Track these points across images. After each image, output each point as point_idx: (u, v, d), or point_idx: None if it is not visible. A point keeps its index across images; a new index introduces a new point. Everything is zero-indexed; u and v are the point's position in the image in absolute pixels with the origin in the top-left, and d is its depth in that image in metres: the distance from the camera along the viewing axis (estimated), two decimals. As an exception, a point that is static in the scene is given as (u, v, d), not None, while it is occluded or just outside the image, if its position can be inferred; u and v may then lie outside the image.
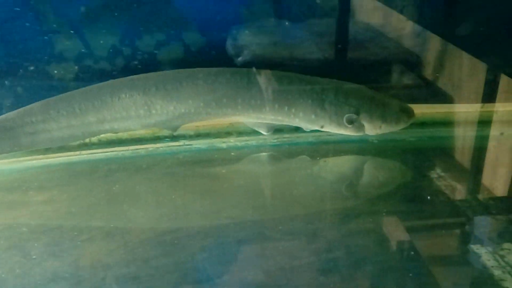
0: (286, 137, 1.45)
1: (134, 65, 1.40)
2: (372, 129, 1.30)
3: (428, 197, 1.15)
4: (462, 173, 1.29)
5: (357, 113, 1.27)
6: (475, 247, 0.97)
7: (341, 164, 1.37)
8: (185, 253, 0.99)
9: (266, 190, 1.27)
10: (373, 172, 1.34)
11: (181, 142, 1.44)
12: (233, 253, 0.99)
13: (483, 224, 1.06)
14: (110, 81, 1.29)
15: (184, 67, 1.35)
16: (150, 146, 1.43)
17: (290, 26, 1.43)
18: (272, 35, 1.43)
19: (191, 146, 1.43)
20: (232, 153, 1.40)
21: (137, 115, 1.28)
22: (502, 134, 1.34)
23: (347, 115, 1.26)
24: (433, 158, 1.35)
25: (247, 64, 1.38)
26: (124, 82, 1.28)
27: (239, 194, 1.22)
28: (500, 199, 1.14)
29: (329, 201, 1.20)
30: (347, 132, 1.31)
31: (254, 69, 1.29)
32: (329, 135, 1.38)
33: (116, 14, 1.35)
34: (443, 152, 1.39)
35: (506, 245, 0.97)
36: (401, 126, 1.32)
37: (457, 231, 1.07)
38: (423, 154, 1.37)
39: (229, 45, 1.40)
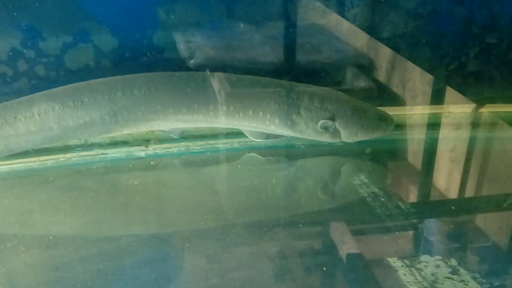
0: (211, 143, 1.37)
1: (38, 68, 1.29)
2: (348, 136, 1.25)
3: (347, 205, 1.11)
4: (385, 179, 1.24)
5: (333, 118, 1.21)
6: (391, 260, 0.91)
7: (266, 172, 1.29)
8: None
9: (180, 203, 1.17)
10: (293, 180, 1.28)
11: (95, 152, 1.33)
12: (136, 277, 0.90)
13: (402, 234, 1.00)
14: (73, 84, 1.21)
15: (94, 70, 1.28)
16: (61, 157, 1.31)
17: (244, 28, 1.40)
18: (224, 37, 1.40)
19: (106, 155, 1.32)
20: (152, 162, 1.30)
21: (102, 121, 1.20)
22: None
23: (321, 121, 1.21)
24: (358, 164, 1.30)
25: (198, 67, 1.34)
26: (88, 85, 1.21)
27: (150, 208, 1.12)
28: (422, 206, 1.09)
29: (246, 211, 1.12)
30: (323, 138, 1.26)
31: (207, 71, 1.24)
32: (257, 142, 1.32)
33: (15, 14, 1.23)
34: (369, 157, 1.33)
35: (424, 258, 0.91)
36: (379, 133, 1.27)
37: (374, 242, 1.01)
38: (348, 159, 1.32)
39: (180, 46, 1.36)
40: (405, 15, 1.43)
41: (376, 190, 1.15)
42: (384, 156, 1.36)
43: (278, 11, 1.40)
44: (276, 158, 1.34)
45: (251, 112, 1.23)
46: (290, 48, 1.41)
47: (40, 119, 1.19)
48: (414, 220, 1.03)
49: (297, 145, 1.36)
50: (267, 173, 1.29)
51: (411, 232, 1.00)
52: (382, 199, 1.11)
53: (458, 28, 1.43)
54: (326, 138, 1.26)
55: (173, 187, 1.24)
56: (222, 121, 1.25)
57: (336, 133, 1.24)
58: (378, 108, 1.30)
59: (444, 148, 1.38)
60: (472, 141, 1.41)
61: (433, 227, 1.02)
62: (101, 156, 1.33)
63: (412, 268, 0.88)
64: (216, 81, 1.22)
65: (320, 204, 1.15)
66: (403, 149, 1.41)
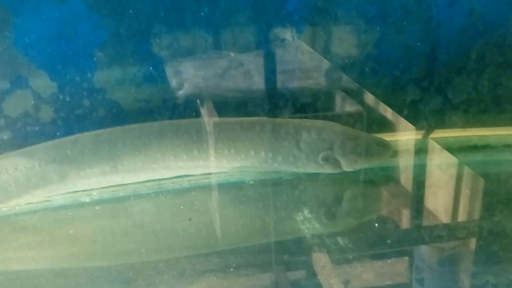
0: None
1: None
2: (348, 164, 1.25)
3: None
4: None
5: (331, 148, 1.23)
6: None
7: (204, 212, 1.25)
8: None
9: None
10: (232, 218, 1.24)
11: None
12: None
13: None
14: (74, 136, 1.24)
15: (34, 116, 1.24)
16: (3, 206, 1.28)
17: (235, 58, 1.40)
18: (214, 67, 1.41)
19: (51, 202, 1.29)
20: (97, 208, 1.26)
21: (102, 172, 1.21)
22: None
23: (322, 153, 1.22)
24: (302, 197, 1.27)
25: (188, 97, 1.36)
26: (88, 137, 1.23)
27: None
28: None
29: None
30: (324, 170, 1.26)
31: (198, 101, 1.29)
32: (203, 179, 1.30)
33: None
34: (312, 188, 1.31)
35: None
36: (379, 158, 1.28)
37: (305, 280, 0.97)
38: (293, 193, 1.29)
39: (169, 77, 1.36)
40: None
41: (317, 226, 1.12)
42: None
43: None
44: (220, 196, 1.31)
45: (252, 152, 1.24)
46: (279, 75, 1.42)
47: (41, 170, 1.20)
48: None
49: (246, 181, 1.33)
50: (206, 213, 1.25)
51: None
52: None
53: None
54: (327, 170, 1.26)
55: (110, 232, 1.20)
56: (224, 165, 1.26)
57: (336, 163, 1.24)
58: (374, 135, 1.32)
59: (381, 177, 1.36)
60: (408, 170, 1.39)
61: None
62: (47, 202, 1.30)
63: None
64: (214, 125, 1.25)
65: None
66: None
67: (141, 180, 1.28)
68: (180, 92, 1.36)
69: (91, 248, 1.12)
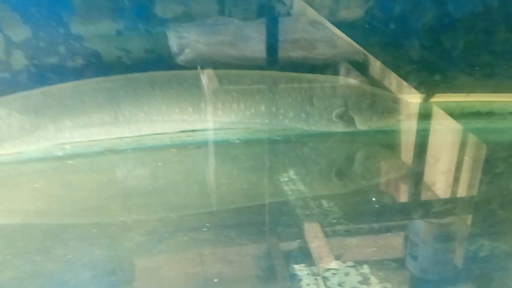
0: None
1: None
2: (363, 122, 1.18)
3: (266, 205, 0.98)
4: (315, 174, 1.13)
5: (345, 105, 1.15)
6: (298, 267, 0.79)
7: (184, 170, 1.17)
8: None
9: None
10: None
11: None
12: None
13: (315, 236, 0.88)
14: (73, 83, 1.15)
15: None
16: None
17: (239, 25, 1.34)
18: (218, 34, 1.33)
19: (22, 155, 1.21)
20: (69, 162, 1.18)
21: (101, 122, 1.14)
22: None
23: (335, 111, 1.15)
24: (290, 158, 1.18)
25: (189, 63, 1.26)
26: (88, 84, 1.15)
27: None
28: (344, 206, 0.98)
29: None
30: (337, 128, 1.20)
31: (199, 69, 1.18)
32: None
33: None
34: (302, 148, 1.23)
35: (333, 264, 0.80)
36: (396, 117, 1.21)
37: (283, 246, 0.89)
38: (282, 152, 1.22)
39: (171, 42, 1.29)
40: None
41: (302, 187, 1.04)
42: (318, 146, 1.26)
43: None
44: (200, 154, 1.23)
45: (263, 107, 1.16)
46: (283, 44, 1.34)
47: (36, 116, 1.12)
48: (334, 221, 0.92)
49: (231, 140, 1.25)
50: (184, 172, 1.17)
51: (325, 234, 0.88)
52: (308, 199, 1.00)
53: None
54: (340, 128, 1.19)
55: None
56: (232, 120, 1.19)
57: (350, 120, 1.18)
58: (390, 92, 1.25)
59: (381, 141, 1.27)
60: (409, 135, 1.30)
61: (354, 230, 0.90)
62: (17, 155, 1.21)
63: (318, 277, 0.76)
64: (223, 77, 1.17)
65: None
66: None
67: (142, 133, 1.20)
68: (181, 57, 1.27)
69: (56, 203, 1.04)
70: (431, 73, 1.35)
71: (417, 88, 1.33)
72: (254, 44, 1.33)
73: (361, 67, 1.37)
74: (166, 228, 0.93)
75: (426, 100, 1.34)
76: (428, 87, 1.34)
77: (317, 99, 1.17)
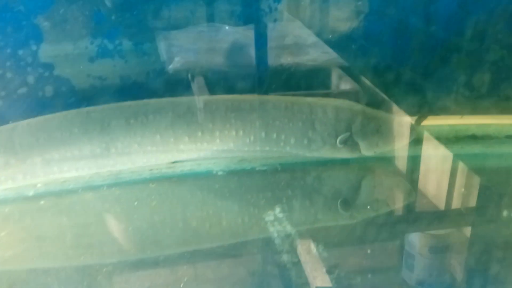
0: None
1: None
2: (368, 148, 1.13)
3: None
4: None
5: (349, 130, 1.10)
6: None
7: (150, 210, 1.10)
8: None
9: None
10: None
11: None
12: None
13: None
14: (61, 113, 1.10)
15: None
16: None
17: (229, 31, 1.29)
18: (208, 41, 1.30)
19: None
20: (41, 202, 1.10)
21: (92, 155, 1.08)
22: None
23: (341, 136, 1.10)
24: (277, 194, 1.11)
25: (179, 71, 1.25)
26: (77, 114, 1.09)
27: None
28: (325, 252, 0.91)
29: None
30: (341, 154, 1.14)
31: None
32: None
33: None
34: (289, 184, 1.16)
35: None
36: (402, 142, 1.16)
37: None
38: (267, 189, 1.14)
39: (161, 50, 1.26)
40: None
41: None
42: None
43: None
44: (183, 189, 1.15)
45: (263, 134, 1.11)
46: (274, 50, 1.30)
47: (22, 150, 1.06)
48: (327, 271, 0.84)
49: (214, 172, 1.17)
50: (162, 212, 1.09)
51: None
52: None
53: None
54: (344, 154, 1.14)
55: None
56: (231, 148, 1.13)
57: (355, 146, 1.12)
58: (395, 115, 1.21)
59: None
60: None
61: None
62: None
63: None
64: (221, 103, 1.12)
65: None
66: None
67: (136, 164, 1.14)
68: (171, 66, 1.25)
69: (19, 250, 0.96)
70: (421, 95, 1.29)
71: (407, 110, 1.26)
72: (245, 50, 1.30)
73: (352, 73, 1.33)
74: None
75: (417, 123, 1.27)
76: (419, 109, 1.28)
77: (319, 123, 1.12)
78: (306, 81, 1.33)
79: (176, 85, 1.27)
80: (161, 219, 1.06)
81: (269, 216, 1.01)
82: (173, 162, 1.20)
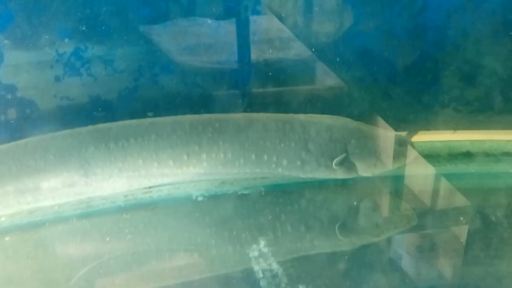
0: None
1: None
2: (366, 169, 1.08)
3: None
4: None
5: (344, 149, 1.06)
6: None
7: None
8: None
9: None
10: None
11: None
12: None
13: None
14: (33, 138, 1.04)
15: None
16: None
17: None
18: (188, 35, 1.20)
19: None
20: (6, 238, 1.02)
21: (70, 182, 1.02)
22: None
23: (337, 158, 1.05)
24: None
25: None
26: (52, 139, 1.03)
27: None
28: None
29: None
30: (336, 175, 1.08)
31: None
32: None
33: None
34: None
35: None
36: (401, 162, 1.11)
37: None
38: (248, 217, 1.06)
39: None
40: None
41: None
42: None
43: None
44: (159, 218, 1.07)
45: (253, 156, 1.05)
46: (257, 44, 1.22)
47: None
48: None
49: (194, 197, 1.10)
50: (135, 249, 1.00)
51: None
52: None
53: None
54: (340, 175, 1.09)
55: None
56: (219, 171, 1.07)
57: (351, 167, 1.07)
58: (394, 132, 1.14)
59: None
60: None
61: None
62: None
63: None
64: (207, 124, 1.06)
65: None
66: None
67: (117, 191, 1.08)
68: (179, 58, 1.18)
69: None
70: (412, 109, 1.22)
71: (395, 126, 1.19)
72: (228, 45, 1.22)
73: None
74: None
75: (407, 139, 1.20)
76: (409, 125, 1.21)
77: (313, 144, 1.06)
78: (288, 76, 1.24)
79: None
80: (135, 257, 0.97)
81: (253, 252, 0.93)
82: (150, 187, 1.12)
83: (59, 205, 1.08)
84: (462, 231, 1.01)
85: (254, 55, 1.21)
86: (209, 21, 1.21)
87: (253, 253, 0.93)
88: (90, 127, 1.05)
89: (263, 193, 1.12)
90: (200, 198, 1.10)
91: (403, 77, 1.22)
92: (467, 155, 1.21)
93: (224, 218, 1.07)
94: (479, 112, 1.20)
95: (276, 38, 1.25)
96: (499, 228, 1.01)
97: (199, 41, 1.22)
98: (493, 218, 1.03)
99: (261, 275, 0.87)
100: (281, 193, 1.13)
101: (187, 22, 1.20)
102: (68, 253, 0.99)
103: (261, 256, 0.92)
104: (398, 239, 1.00)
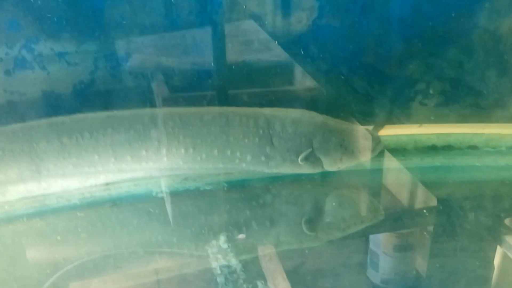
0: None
1: None
2: (331, 163, 1.06)
3: None
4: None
5: (310, 144, 1.02)
6: None
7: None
8: None
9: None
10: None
11: None
12: None
13: None
14: None
15: None
16: None
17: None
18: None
19: None
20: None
21: (20, 179, 0.97)
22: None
23: (302, 154, 1.02)
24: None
25: (134, 71, 1.12)
26: (1, 134, 0.99)
27: None
28: None
29: None
30: (302, 170, 1.06)
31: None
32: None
33: None
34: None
35: None
36: (367, 156, 1.08)
37: None
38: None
39: (118, 47, 1.12)
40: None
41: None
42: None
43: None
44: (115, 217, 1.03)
45: (216, 151, 1.02)
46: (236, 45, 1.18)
47: None
48: None
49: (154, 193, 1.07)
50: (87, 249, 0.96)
51: None
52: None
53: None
54: (305, 170, 1.06)
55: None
56: (180, 166, 1.04)
57: (317, 161, 1.04)
58: (361, 126, 1.12)
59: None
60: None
61: None
62: None
63: None
64: (167, 118, 1.02)
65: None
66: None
67: (71, 187, 1.04)
68: (128, 64, 1.13)
69: None
70: (377, 103, 1.20)
71: (361, 120, 1.17)
72: (206, 46, 1.18)
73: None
74: None
75: (373, 133, 1.18)
76: (375, 119, 1.19)
77: (277, 139, 1.03)
78: (263, 77, 1.21)
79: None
80: (92, 258, 0.92)
81: (212, 248, 0.90)
82: (107, 184, 1.08)
83: (9, 203, 1.03)
84: (427, 224, 1.00)
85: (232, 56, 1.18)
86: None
87: (212, 249, 0.90)
88: (42, 121, 1.01)
89: (225, 189, 1.09)
90: (160, 195, 1.07)
91: (368, 71, 1.20)
92: (432, 149, 1.20)
93: (183, 216, 1.04)
94: (445, 105, 1.19)
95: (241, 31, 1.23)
96: (464, 222, 1.00)
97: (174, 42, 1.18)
98: (459, 211, 1.02)
99: (218, 272, 0.84)
100: (245, 189, 1.10)
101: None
102: (18, 254, 0.94)
103: (220, 252, 0.89)
104: (364, 233, 0.98)
